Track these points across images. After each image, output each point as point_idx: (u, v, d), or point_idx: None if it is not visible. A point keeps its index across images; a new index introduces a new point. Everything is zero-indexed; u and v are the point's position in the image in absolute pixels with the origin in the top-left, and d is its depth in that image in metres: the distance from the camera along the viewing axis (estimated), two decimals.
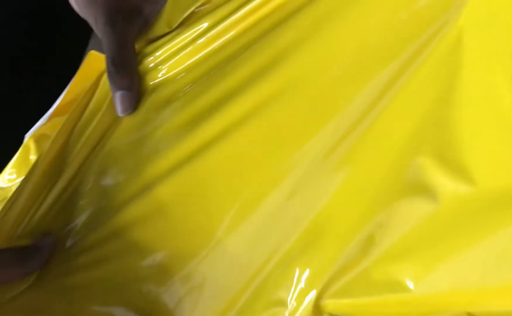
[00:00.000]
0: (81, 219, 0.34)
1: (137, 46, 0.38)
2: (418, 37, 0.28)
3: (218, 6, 0.36)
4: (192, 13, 0.38)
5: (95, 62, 0.41)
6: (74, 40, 0.60)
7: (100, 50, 0.42)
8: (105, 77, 0.39)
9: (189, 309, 0.32)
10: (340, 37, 0.31)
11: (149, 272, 0.32)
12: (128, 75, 0.37)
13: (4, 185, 0.43)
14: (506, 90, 0.26)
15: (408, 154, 0.29)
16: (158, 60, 0.37)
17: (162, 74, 0.37)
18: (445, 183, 0.28)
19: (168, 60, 0.37)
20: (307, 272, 0.31)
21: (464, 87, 0.27)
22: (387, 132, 0.29)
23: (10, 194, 0.42)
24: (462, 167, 0.27)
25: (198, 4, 0.37)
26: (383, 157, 0.29)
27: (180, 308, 0.32)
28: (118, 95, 0.36)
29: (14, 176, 0.42)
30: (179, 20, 0.38)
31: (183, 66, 0.37)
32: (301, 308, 0.31)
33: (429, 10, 0.28)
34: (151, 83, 0.37)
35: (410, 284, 0.29)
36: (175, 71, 0.37)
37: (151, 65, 0.38)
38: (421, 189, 0.28)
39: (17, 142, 0.44)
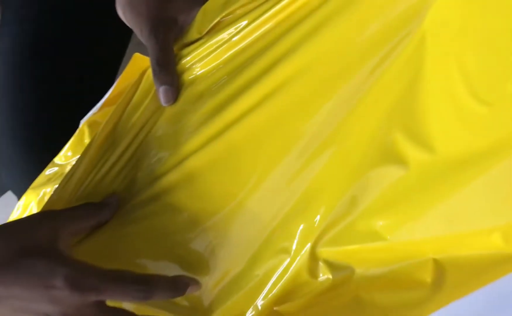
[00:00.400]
0: (132, 184, 0.42)
1: (175, 49, 0.46)
2: (391, 40, 0.35)
3: (239, 17, 0.44)
4: (218, 22, 0.46)
5: (138, 62, 0.49)
6: (118, 42, 0.69)
7: (138, 52, 0.51)
8: (147, 75, 0.47)
9: (217, 255, 0.40)
10: (338, 35, 0.38)
11: (184, 225, 0.40)
12: (169, 73, 0.45)
13: (60, 162, 0.52)
14: (458, 79, 0.33)
15: (383, 131, 0.36)
16: (192, 61, 0.45)
17: (195, 72, 0.45)
18: (412, 153, 0.35)
19: (200, 61, 0.45)
20: (304, 227, 0.39)
21: (426, 78, 0.34)
22: (366, 114, 0.36)
23: (66, 170, 0.51)
24: (426, 140, 0.34)
25: (223, 15, 0.45)
26: (363, 134, 0.37)
27: (210, 253, 0.40)
28: (161, 89, 0.45)
29: (70, 154, 0.51)
30: (207, 28, 0.46)
31: (212, 65, 0.45)
32: (300, 254, 0.38)
33: (399, 20, 0.35)
34: (187, 79, 0.45)
35: (386, 234, 0.36)
36: (206, 69, 0.45)
37: (187, 65, 0.46)
38: (394, 159, 0.35)
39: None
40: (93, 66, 0.66)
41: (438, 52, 0.34)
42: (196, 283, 0.38)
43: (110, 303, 0.38)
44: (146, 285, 0.36)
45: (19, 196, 0.61)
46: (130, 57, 0.57)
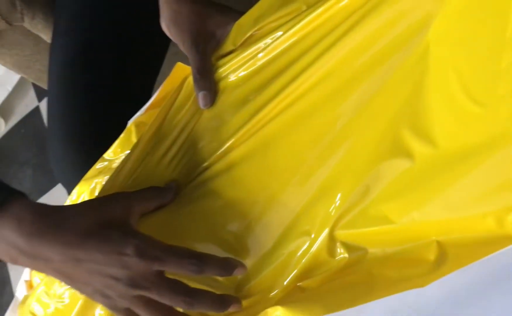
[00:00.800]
0: (180, 174, 0.50)
1: (212, 59, 0.53)
2: (400, 49, 0.41)
3: (269, 31, 0.50)
4: (250, 35, 0.52)
5: (180, 70, 0.56)
6: (158, 52, 0.76)
7: (175, 61, 0.57)
8: (187, 81, 0.54)
9: (250, 236, 0.46)
10: (356, 45, 0.44)
11: (224, 209, 0.47)
12: (208, 80, 0.52)
13: (109, 158, 0.58)
14: (456, 82, 0.38)
15: (392, 128, 0.41)
16: (228, 70, 0.52)
17: (231, 80, 0.52)
18: (417, 147, 0.40)
19: (235, 70, 0.52)
20: (324, 212, 0.44)
21: (430, 81, 0.39)
22: (377, 113, 0.42)
23: (113, 164, 0.58)
24: (429, 136, 0.39)
25: (254, 29, 0.51)
26: (375, 131, 0.42)
27: (245, 234, 0.46)
28: (201, 94, 0.51)
29: (119, 150, 0.57)
30: (241, 41, 0.52)
31: (245, 73, 0.51)
32: (320, 237, 0.44)
33: (407, 32, 0.41)
34: (224, 85, 0.52)
35: (395, 219, 0.41)
36: (240, 76, 0.51)
37: (224, 74, 0.52)
38: (401, 152, 0.40)
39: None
40: (136, 73, 0.73)
41: (439, 59, 0.39)
42: (242, 266, 0.44)
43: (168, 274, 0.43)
44: (199, 261, 0.42)
45: (68, 189, 0.68)
46: (167, 65, 0.64)
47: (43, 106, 1.70)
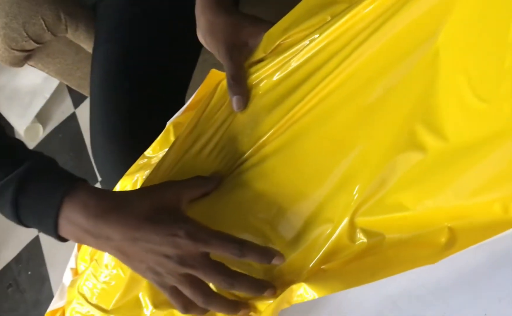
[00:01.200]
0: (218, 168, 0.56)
1: (245, 66, 0.57)
2: (414, 52, 0.45)
3: (295, 43, 0.55)
4: (279, 44, 0.56)
5: (214, 76, 0.61)
6: (190, 58, 0.82)
7: (205, 67, 0.62)
8: (221, 85, 0.59)
9: (279, 223, 0.51)
10: (376, 49, 0.49)
11: (257, 199, 0.53)
12: (241, 86, 0.57)
13: (149, 155, 0.64)
14: (464, 82, 0.42)
15: (407, 125, 0.45)
16: (260, 76, 0.57)
17: (262, 84, 0.56)
18: (430, 141, 0.44)
19: (267, 76, 0.56)
20: (345, 201, 0.48)
21: (440, 81, 0.44)
22: (394, 111, 0.46)
23: (152, 161, 0.63)
24: (440, 131, 0.43)
25: (283, 38, 0.56)
26: (391, 126, 0.46)
27: (275, 221, 0.51)
28: (234, 98, 0.56)
29: (158, 148, 0.63)
30: (271, 49, 0.57)
31: (276, 78, 0.56)
32: (342, 224, 0.48)
33: (421, 37, 0.45)
34: (256, 90, 0.57)
35: (410, 206, 0.44)
36: (271, 81, 0.56)
37: (256, 80, 0.57)
38: (415, 146, 0.44)
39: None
40: (171, 77, 0.79)
41: (448, 62, 0.44)
42: (281, 256, 0.48)
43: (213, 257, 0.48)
44: (242, 246, 0.47)
45: (108, 183, 0.74)
46: (197, 71, 0.69)
47: (79, 112, 1.78)
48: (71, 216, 0.48)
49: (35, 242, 1.66)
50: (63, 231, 0.49)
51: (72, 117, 1.79)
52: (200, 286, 0.48)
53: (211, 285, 0.50)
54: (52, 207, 0.48)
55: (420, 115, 0.45)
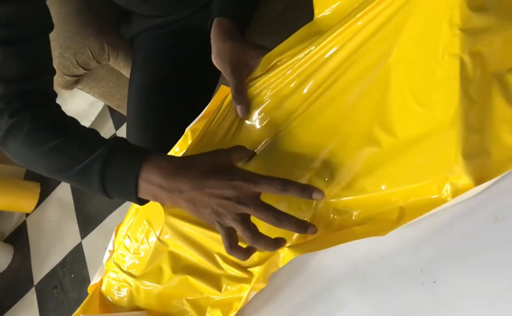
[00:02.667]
0: None
1: (246, 82, 0.69)
2: (373, 69, 0.56)
3: (285, 62, 0.66)
4: (274, 64, 0.68)
5: (223, 91, 0.73)
6: (211, 78, 0.94)
7: (224, 83, 0.74)
8: (228, 98, 0.70)
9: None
10: (348, 66, 0.59)
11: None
12: (243, 97, 0.68)
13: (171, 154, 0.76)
14: (408, 91, 0.52)
15: (367, 125, 0.55)
16: (258, 89, 0.68)
17: (260, 97, 0.68)
18: (383, 138, 0.53)
19: (263, 90, 0.68)
20: (320, 185, 0.57)
21: (391, 92, 0.54)
22: (357, 115, 0.56)
23: None
24: (391, 130, 0.53)
25: (279, 58, 0.67)
26: (355, 127, 0.56)
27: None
28: (238, 107, 0.67)
29: (177, 149, 0.74)
30: (267, 68, 0.68)
31: (270, 92, 0.67)
32: (319, 205, 0.58)
33: (378, 57, 0.56)
34: (254, 101, 0.68)
35: (370, 190, 0.53)
36: (266, 95, 0.67)
37: (254, 92, 0.68)
38: (373, 142, 0.54)
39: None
40: (194, 95, 0.91)
41: (397, 76, 0.54)
42: (320, 191, 0.55)
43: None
44: (284, 183, 0.55)
45: None
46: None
47: (119, 133, 1.92)
48: (149, 177, 0.57)
49: (78, 247, 1.78)
50: (142, 192, 0.59)
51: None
52: (250, 226, 0.55)
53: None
54: (132, 172, 0.58)
55: (377, 117, 0.55)
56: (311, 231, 0.55)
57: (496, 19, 0.48)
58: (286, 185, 0.55)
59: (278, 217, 0.54)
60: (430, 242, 0.50)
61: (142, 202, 0.61)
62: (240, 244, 0.57)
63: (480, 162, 0.46)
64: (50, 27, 0.69)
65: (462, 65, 0.48)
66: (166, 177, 0.57)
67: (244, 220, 0.55)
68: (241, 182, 0.55)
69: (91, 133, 0.64)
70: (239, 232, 0.55)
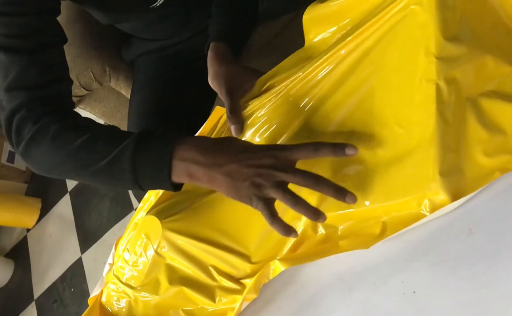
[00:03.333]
0: None
1: (241, 103, 0.72)
2: (359, 92, 0.59)
3: (276, 85, 0.69)
4: (268, 86, 0.71)
5: (219, 111, 0.76)
6: (209, 99, 0.98)
7: (219, 104, 0.77)
8: (223, 118, 0.74)
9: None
10: (336, 88, 0.63)
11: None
12: (237, 117, 0.70)
13: None
14: (390, 115, 0.55)
15: (353, 143, 0.58)
16: (251, 110, 0.71)
17: (253, 117, 0.71)
18: (367, 156, 0.56)
19: (256, 111, 0.71)
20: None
21: (375, 113, 0.57)
22: (344, 134, 0.60)
23: None
24: (374, 149, 0.56)
25: (270, 83, 0.71)
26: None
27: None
28: (232, 127, 0.70)
29: None
30: (260, 91, 0.72)
31: (262, 112, 0.70)
32: (305, 220, 0.61)
33: (363, 81, 0.59)
34: (248, 121, 0.71)
35: (353, 205, 0.55)
36: (259, 115, 0.71)
37: (248, 112, 0.71)
38: (357, 160, 0.57)
39: None
40: (191, 116, 0.94)
41: (379, 99, 0.57)
42: (353, 147, 0.53)
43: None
44: (316, 144, 0.55)
45: (137, 198, 0.88)
46: None
47: None
48: (184, 155, 0.57)
49: (78, 262, 1.80)
50: (177, 173, 0.57)
51: None
52: (290, 192, 0.54)
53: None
54: (166, 153, 0.57)
55: (360, 138, 0.58)
56: (350, 199, 0.53)
57: (468, 48, 0.51)
58: (318, 146, 0.55)
59: (316, 180, 0.54)
60: (410, 254, 0.52)
61: (176, 187, 0.60)
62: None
63: (455, 180, 0.49)
64: (64, 39, 0.72)
65: (438, 90, 0.51)
66: (203, 153, 0.57)
67: (285, 189, 0.55)
68: (277, 151, 0.56)
69: (116, 129, 0.65)
70: (280, 198, 0.55)
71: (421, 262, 0.51)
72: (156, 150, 0.58)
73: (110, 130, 0.64)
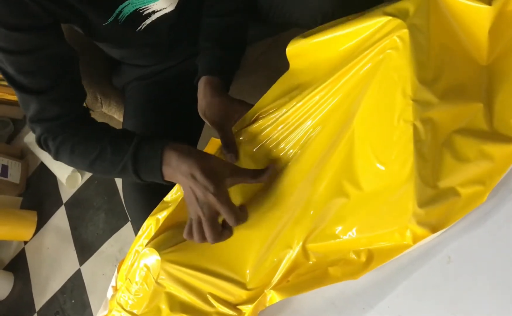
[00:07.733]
0: None
1: (234, 132, 0.73)
2: (339, 130, 0.62)
3: (266, 115, 0.72)
4: (257, 116, 0.73)
5: (214, 143, 0.78)
6: (197, 129, 0.99)
7: (208, 133, 0.79)
8: (220, 148, 0.75)
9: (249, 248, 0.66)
10: (319, 126, 0.65)
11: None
12: (231, 147, 0.73)
13: (167, 200, 0.79)
14: (371, 152, 0.57)
15: (336, 180, 0.60)
16: (243, 138, 0.73)
17: (247, 145, 0.73)
18: (351, 190, 0.59)
19: (249, 138, 0.73)
20: (299, 232, 0.63)
21: (356, 151, 0.59)
22: (328, 171, 0.62)
23: (169, 205, 0.78)
24: (357, 183, 0.58)
25: (260, 112, 0.72)
26: (327, 181, 0.61)
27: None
28: (228, 156, 0.72)
29: (174, 191, 0.78)
30: (251, 120, 0.73)
31: (256, 140, 0.72)
32: (297, 248, 0.63)
33: (343, 120, 0.62)
34: (241, 149, 0.73)
35: (341, 235, 0.59)
36: (252, 143, 0.73)
37: (241, 139, 0.73)
38: (342, 194, 0.59)
39: None
40: (179, 141, 0.95)
41: (360, 137, 0.59)
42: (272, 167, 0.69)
43: None
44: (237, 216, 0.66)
45: (136, 224, 0.88)
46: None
47: None
48: (170, 160, 0.67)
49: (77, 274, 1.81)
50: (167, 174, 0.68)
51: None
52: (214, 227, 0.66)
53: None
54: (158, 158, 0.67)
55: (344, 173, 0.60)
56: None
57: (442, 92, 0.54)
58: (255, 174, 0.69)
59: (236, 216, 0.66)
60: (395, 281, 0.55)
61: (169, 183, 0.70)
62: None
63: (434, 212, 0.51)
64: (76, 57, 0.76)
65: (415, 130, 0.53)
66: (183, 159, 0.67)
67: (214, 222, 0.66)
68: (211, 196, 0.64)
69: (121, 135, 0.74)
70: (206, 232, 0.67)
71: (405, 288, 0.54)
72: (150, 154, 0.70)
73: (115, 140, 0.73)
